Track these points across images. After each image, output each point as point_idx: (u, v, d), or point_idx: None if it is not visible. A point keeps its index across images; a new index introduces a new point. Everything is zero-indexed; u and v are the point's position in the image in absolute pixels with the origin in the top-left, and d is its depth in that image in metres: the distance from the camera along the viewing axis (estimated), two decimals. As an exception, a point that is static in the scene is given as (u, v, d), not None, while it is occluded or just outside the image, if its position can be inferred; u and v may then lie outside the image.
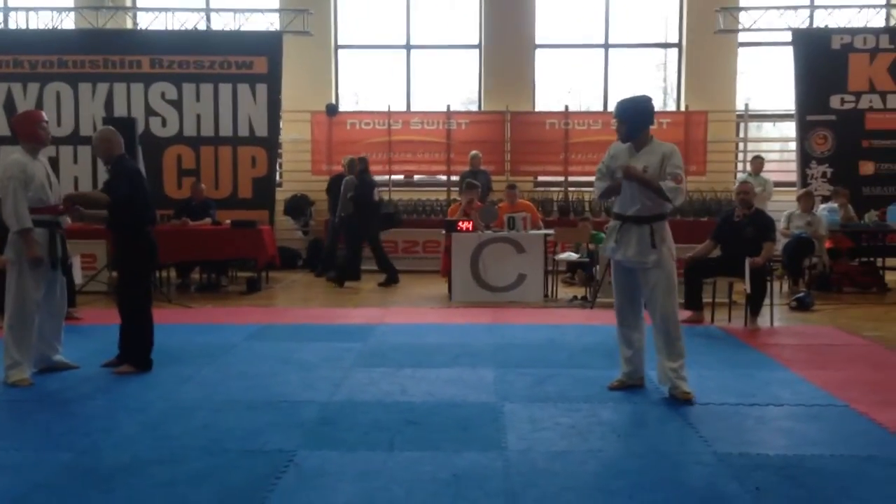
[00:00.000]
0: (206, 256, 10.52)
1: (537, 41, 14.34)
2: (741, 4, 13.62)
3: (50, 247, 5.56)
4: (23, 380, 5.44)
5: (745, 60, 14.49)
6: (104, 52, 12.48)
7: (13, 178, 5.38)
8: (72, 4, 13.80)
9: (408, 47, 14.58)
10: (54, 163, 11.47)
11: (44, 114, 5.83)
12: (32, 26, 12.96)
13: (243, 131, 12.51)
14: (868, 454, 4.12)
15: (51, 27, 12.97)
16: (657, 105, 14.74)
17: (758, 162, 12.23)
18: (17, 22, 13.08)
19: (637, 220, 5.13)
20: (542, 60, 14.55)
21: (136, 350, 5.90)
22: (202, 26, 13.16)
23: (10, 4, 14.07)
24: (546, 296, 9.72)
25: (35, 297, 5.52)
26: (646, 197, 5.09)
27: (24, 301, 5.49)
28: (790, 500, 3.56)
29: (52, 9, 13.10)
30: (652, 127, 5.21)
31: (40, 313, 5.63)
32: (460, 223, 9.71)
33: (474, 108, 14.69)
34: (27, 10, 13.03)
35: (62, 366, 5.84)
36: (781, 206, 11.17)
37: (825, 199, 11.82)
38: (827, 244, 10.52)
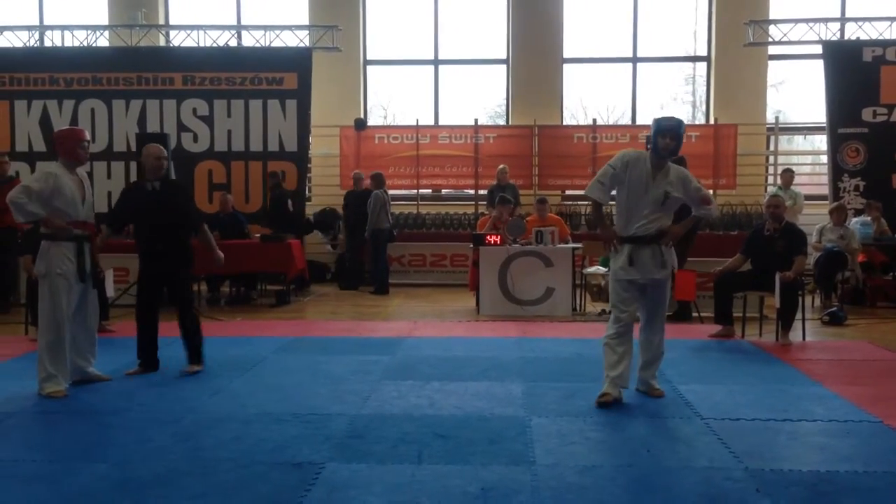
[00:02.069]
0: (236, 270, 10.60)
1: (565, 55, 14.36)
2: (771, 17, 13.55)
3: (78, 260, 5.61)
4: (57, 391, 5.51)
5: (776, 73, 14.41)
6: (137, 69, 12.69)
7: (34, 180, 5.50)
8: (106, 23, 14.07)
9: (436, 62, 14.66)
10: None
11: (86, 133, 5.91)
12: (68, 44, 13.21)
13: (273, 146, 12.64)
14: (903, 471, 4.05)
15: (85, 45, 13.21)
16: (687, 118, 14.86)
17: (787, 175, 12.13)
18: (52, 40, 13.33)
19: (649, 239, 5.27)
20: (570, 74, 14.57)
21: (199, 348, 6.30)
22: (233, 43, 13.33)
23: (46, 23, 14.36)
24: (574, 310, 9.69)
25: (65, 310, 5.57)
26: (660, 218, 5.27)
27: (55, 314, 5.54)
28: (823, 517, 3.52)
29: (86, 27, 13.35)
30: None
31: (72, 325, 5.71)
32: (488, 237, 9.71)
33: (502, 122, 14.76)
34: (62, 28, 13.28)
35: (95, 378, 5.91)
36: (813, 220, 11.06)
37: (858, 213, 11.69)
38: (860, 258, 10.39)
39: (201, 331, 6.33)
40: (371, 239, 11.66)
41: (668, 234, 5.34)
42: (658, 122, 5.32)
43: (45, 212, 5.48)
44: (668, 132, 5.21)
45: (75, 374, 5.82)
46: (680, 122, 5.37)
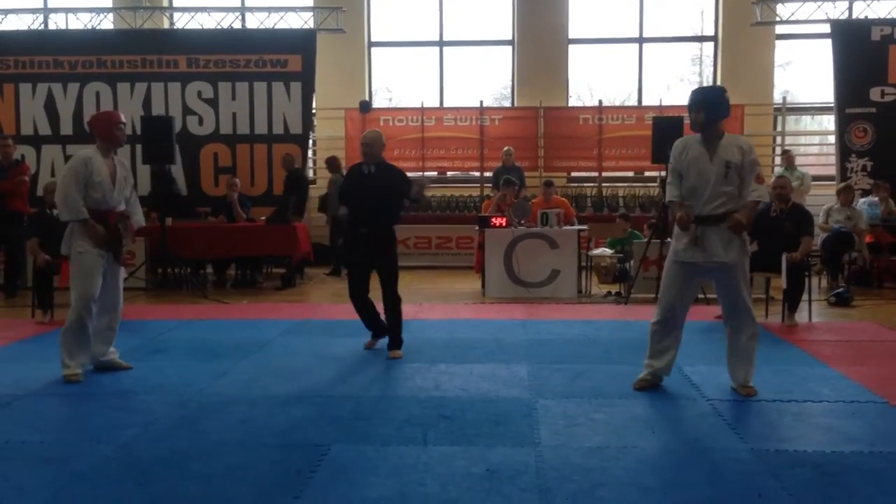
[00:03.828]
0: (242, 253, 10.63)
1: (570, 36, 14.26)
2: (778, -4, 13.43)
3: (109, 240, 5.51)
4: (73, 375, 5.46)
5: (783, 53, 14.29)
6: (142, 52, 12.63)
7: (70, 169, 5.47)
8: (110, 5, 14.01)
9: (441, 44, 14.59)
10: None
11: (122, 115, 5.89)
12: (72, 27, 13.18)
13: (278, 129, 12.60)
14: (909, 451, 4.05)
15: (90, 28, 13.17)
16: (692, 99, 14.66)
17: (787, 156, 12.09)
18: (56, 23, 13.29)
19: (714, 219, 4.95)
20: (576, 55, 14.48)
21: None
22: (237, 25, 13.28)
23: (51, 6, 14.31)
24: (580, 291, 9.68)
25: (89, 294, 5.48)
26: (730, 197, 4.93)
27: (81, 295, 5.46)
28: (828, 498, 3.51)
29: (90, 10, 13.31)
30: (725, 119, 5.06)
31: (99, 311, 5.63)
32: (494, 219, 9.69)
33: (507, 103, 14.68)
34: (66, 11, 13.24)
35: (114, 365, 5.78)
36: (820, 201, 11.01)
37: (865, 193, 11.63)
38: (867, 239, 10.33)
39: (401, 315, 6.30)
40: (332, 223, 11.72)
41: (732, 219, 4.88)
42: (689, 97, 5.09)
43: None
44: (693, 106, 4.99)
45: (93, 360, 5.73)
46: (700, 89, 5.14)
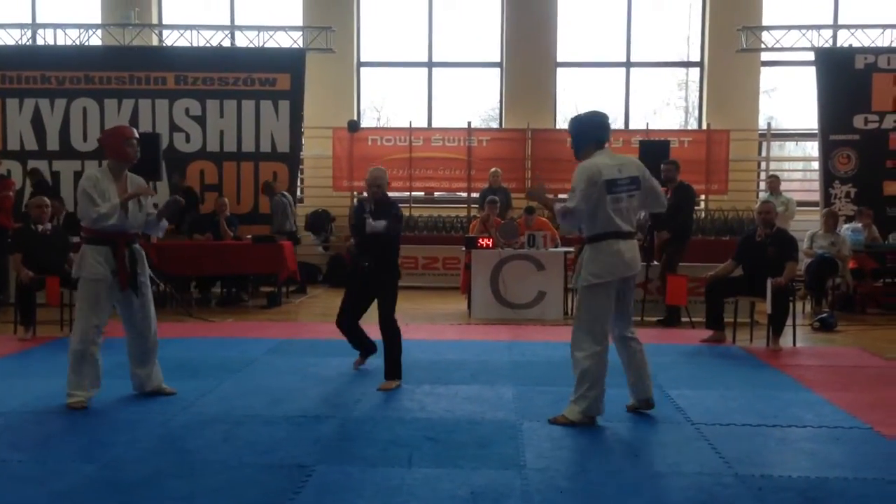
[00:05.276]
0: (228, 271, 10.59)
1: (559, 59, 14.38)
2: (764, 23, 13.59)
3: (121, 265, 5.30)
4: (76, 402, 5.26)
5: (768, 79, 14.46)
6: (130, 68, 12.63)
7: (83, 194, 5.25)
8: (98, 22, 14.01)
9: (430, 65, 14.66)
10: (79, 177, 11.59)
11: (135, 131, 5.64)
12: (60, 43, 13.16)
13: (265, 147, 12.61)
14: (892, 477, 4.06)
15: (78, 44, 13.15)
16: (679, 123, 14.84)
17: (773, 181, 12.18)
18: (45, 39, 13.28)
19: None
20: (564, 78, 14.58)
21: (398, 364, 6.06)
22: (226, 43, 13.29)
23: (39, 21, 14.30)
24: (566, 313, 9.68)
25: (94, 321, 5.29)
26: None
27: (81, 322, 5.30)
28: (813, 523, 3.52)
29: (79, 26, 13.30)
30: (585, 144, 5.07)
31: (128, 336, 5.52)
32: (480, 240, 9.71)
33: (495, 125, 14.75)
34: (55, 27, 13.23)
35: (161, 391, 5.60)
36: (804, 226, 11.09)
37: (849, 219, 11.73)
38: (851, 264, 10.41)
39: (400, 344, 6.07)
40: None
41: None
42: None
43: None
44: None
45: (136, 387, 5.59)
46: (573, 118, 5.24)
